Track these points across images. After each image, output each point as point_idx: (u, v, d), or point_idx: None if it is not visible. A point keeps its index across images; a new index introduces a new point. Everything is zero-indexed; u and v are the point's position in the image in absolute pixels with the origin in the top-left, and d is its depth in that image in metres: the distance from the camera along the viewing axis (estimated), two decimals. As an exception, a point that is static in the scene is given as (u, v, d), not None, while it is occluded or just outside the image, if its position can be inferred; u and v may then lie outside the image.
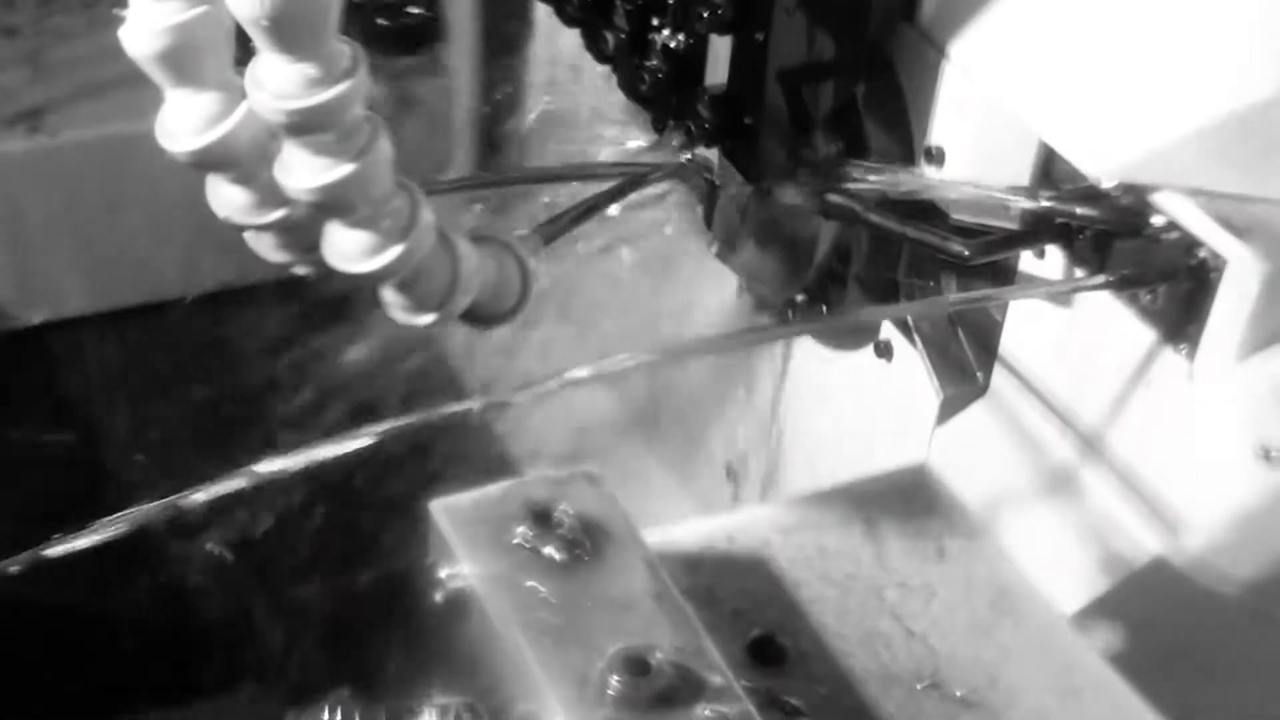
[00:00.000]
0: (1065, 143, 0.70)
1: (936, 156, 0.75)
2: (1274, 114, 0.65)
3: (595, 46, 0.82)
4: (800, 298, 0.86)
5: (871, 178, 0.74)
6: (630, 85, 0.81)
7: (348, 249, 0.48)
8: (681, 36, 0.77)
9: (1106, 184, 0.68)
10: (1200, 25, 0.66)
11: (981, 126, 0.73)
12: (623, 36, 0.79)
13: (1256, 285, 0.64)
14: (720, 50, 0.77)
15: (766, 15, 0.73)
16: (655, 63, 0.77)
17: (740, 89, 0.77)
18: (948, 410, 0.83)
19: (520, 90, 1.14)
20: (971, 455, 0.81)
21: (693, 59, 0.77)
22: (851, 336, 0.88)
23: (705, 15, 0.74)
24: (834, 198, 0.74)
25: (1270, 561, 0.64)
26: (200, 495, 0.53)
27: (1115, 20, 0.69)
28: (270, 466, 0.53)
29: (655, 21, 0.78)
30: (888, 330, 0.86)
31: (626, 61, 0.80)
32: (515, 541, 0.52)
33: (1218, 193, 0.66)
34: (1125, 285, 0.69)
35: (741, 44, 0.76)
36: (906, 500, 0.64)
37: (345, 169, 0.46)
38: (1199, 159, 0.66)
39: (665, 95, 0.78)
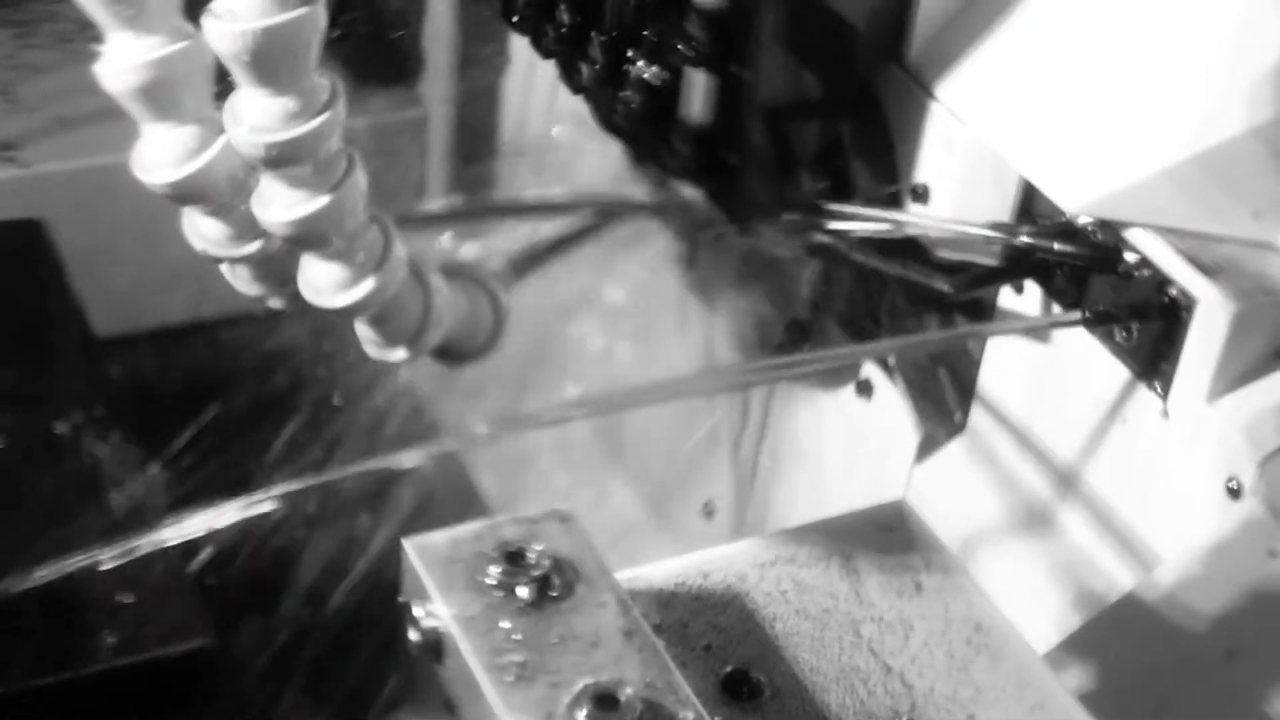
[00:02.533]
0: (1043, 179, 0.71)
1: (922, 194, 0.76)
2: (1237, 154, 0.66)
3: (571, 79, 0.83)
4: (782, 336, 0.86)
5: (857, 217, 0.74)
6: (605, 118, 0.81)
7: (321, 282, 0.48)
8: (657, 69, 0.77)
9: (1082, 220, 0.69)
10: (1169, 69, 0.67)
11: (966, 165, 0.73)
12: (597, 68, 0.80)
13: (1226, 325, 0.64)
14: (696, 83, 0.78)
15: (744, 50, 0.74)
16: (629, 94, 0.78)
17: (723, 127, 0.78)
18: (926, 448, 0.84)
19: (496, 122, 1.15)
20: (949, 492, 0.81)
21: (668, 92, 0.78)
22: (832, 375, 0.88)
23: (682, 49, 0.75)
24: (819, 236, 0.74)
25: (1239, 598, 0.64)
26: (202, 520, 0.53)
27: (1091, 62, 0.70)
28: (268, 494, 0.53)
29: (631, 54, 0.78)
30: (868, 369, 0.87)
31: (602, 94, 0.81)
32: (487, 581, 0.51)
33: (1184, 230, 0.67)
34: (1100, 322, 0.70)
35: (724, 81, 0.76)
36: (884, 536, 0.64)
37: (320, 202, 0.46)
38: (1167, 197, 0.67)
39: (640, 129, 0.79)
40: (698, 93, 0.76)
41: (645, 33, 0.77)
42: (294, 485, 0.55)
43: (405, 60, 1.28)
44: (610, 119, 0.80)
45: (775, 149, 0.77)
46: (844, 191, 0.77)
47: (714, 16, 0.75)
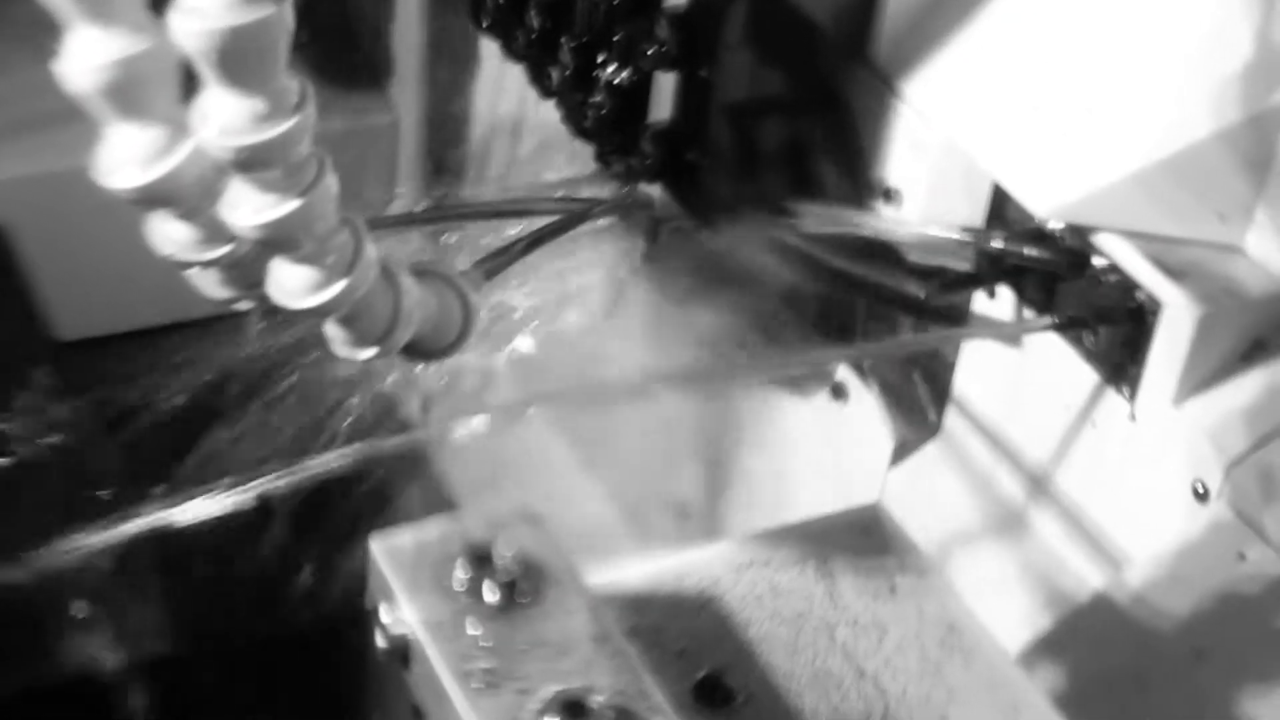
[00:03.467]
0: (1013, 182, 0.71)
1: (893, 198, 0.76)
2: (1203, 158, 0.66)
3: (540, 82, 0.83)
4: (755, 339, 0.87)
5: (829, 220, 0.75)
6: (574, 120, 0.81)
7: (291, 285, 0.48)
8: (626, 73, 0.77)
9: (1051, 224, 0.69)
10: (1137, 73, 0.68)
11: (936, 169, 0.74)
12: (567, 73, 0.80)
13: (1191, 328, 0.65)
14: (665, 87, 0.78)
15: (712, 52, 0.74)
16: (599, 98, 0.78)
17: (685, 125, 0.78)
18: (901, 451, 0.84)
19: (466, 125, 1.14)
20: (924, 495, 0.82)
21: (637, 95, 0.78)
22: (806, 378, 0.89)
23: (650, 52, 0.75)
24: (791, 240, 0.75)
25: (1207, 600, 0.65)
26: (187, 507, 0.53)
27: (1059, 65, 0.70)
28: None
29: (600, 58, 0.78)
30: (843, 372, 0.87)
31: (571, 97, 0.81)
32: (454, 583, 0.51)
33: (1153, 234, 0.67)
34: (1069, 327, 0.70)
35: (687, 80, 0.76)
36: (859, 539, 0.65)
37: (290, 205, 0.46)
38: (1135, 201, 0.67)
39: (609, 131, 0.79)
40: (665, 95, 0.76)
41: (614, 37, 0.77)
42: (266, 480, 0.54)
43: (374, 63, 1.28)
44: (580, 123, 0.80)
45: (739, 148, 0.77)
46: (810, 193, 0.77)
47: (682, 18, 0.75)
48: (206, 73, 0.43)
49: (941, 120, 0.73)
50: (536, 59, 0.82)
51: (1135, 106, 0.68)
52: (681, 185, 0.79)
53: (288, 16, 0.43)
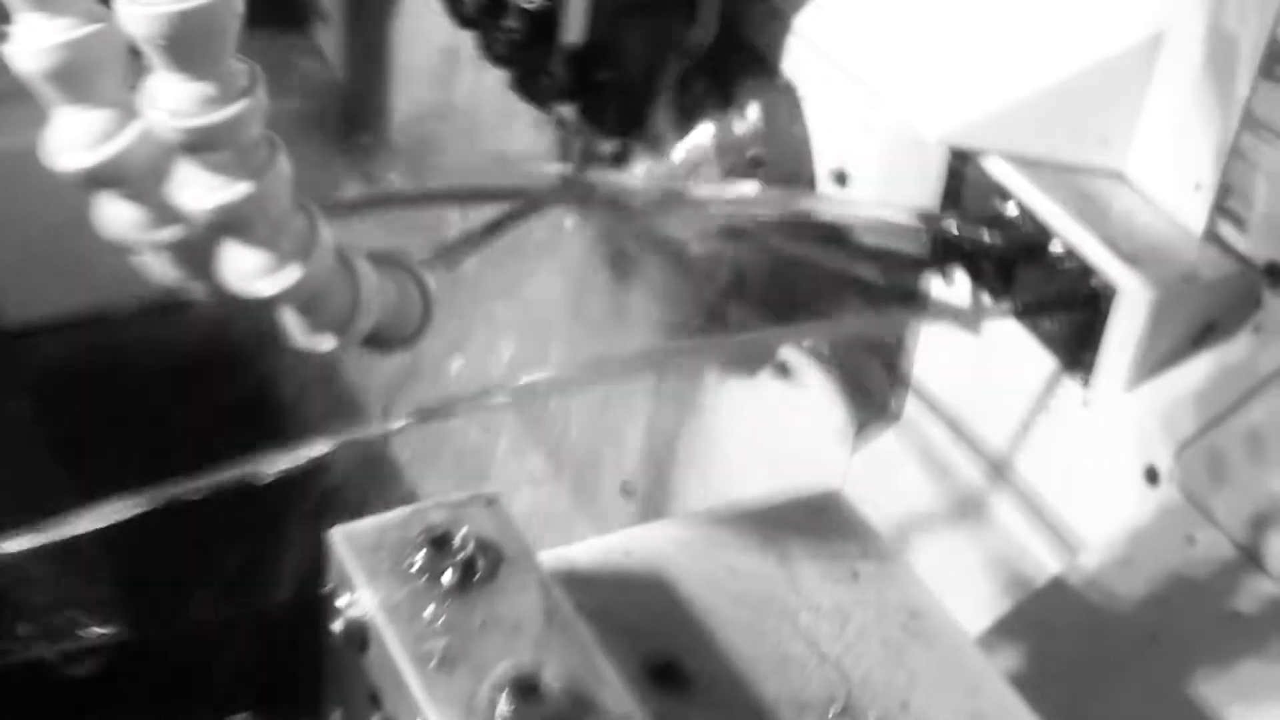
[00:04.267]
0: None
1: (841, 179, 0.76)
2: (1086, 85, 0.68)
3: (456, 11, 0.83)
4: (700, 320, 0.87)
5: (775, 202, 0.75)
6: (489, 48, 0.81)
7: (246, 269, 0.48)
8: None
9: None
10: (1020, 4, 0.70)
11: (887, 149, 0.74)
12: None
13: (1145, 313, 0.65)
14: (572, 6, 0.78)
15: None
16: (511, 23, 0.78)
17: (594, 46, 0.78)
18: (859, 437, 0.84)
19: (389, 71, 1.13)
20: (883, 481, 0.82)
21: (547, 19, 0.78)
22: (751, 359, 0.89)
23: None
24: (738, 221, 0.75)
25: (1158, 582, 0.65)
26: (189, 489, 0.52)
27: None
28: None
29: None
30: (786, 352, 0.87)
31: (485, 23, 0.81)
32: (411, 568, 0.51)
33: (1035, 158, 0.69)
34: (1027, 312, 0.71)
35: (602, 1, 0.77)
36: (819, 523, 0.64)
37: (243, 188, 0.46)
38: (1021, 126, 0.69)
39: (521, 55, 0.79)
40: (572, 14, 0.77)
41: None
42: (228, 473, 0.54)
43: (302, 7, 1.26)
44: (494, 49, 0.80)
45: (646, 64, 0.78)
46: (762, 176, 0.78)
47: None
48: (154, 57, 0.43)
49: (834, 49, 0.75)
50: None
51: (1023, 36, 0.70)
52: (592, 104, 0.80)
53: (236, 0, 0.43)
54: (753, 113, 0.78)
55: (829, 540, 0.64)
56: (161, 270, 0.50)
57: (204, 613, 0.99)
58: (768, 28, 0.78)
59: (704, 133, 0.80)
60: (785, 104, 0.77)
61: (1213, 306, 0.66)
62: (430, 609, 0.50)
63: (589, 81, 0.79)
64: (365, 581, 0.51)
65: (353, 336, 0.51)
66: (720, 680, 0.57)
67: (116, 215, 0.48)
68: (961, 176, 0.72)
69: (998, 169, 0.71)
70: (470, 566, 0.51)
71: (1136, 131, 0.70)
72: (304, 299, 0.49)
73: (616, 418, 0.98)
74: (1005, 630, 0.70)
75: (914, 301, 0.77)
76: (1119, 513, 0.68)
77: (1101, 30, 0.69)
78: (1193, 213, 0.68)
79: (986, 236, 0.71)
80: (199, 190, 0.46)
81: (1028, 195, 0.70)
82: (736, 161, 0.79)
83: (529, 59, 0.80)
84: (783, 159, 0.77)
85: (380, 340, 0.53)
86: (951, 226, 0.72)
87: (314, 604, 0.54)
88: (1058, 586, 0.69)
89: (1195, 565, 0.65)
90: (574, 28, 0.77)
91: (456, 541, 0.52)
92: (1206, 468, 0.65)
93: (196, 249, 0.48)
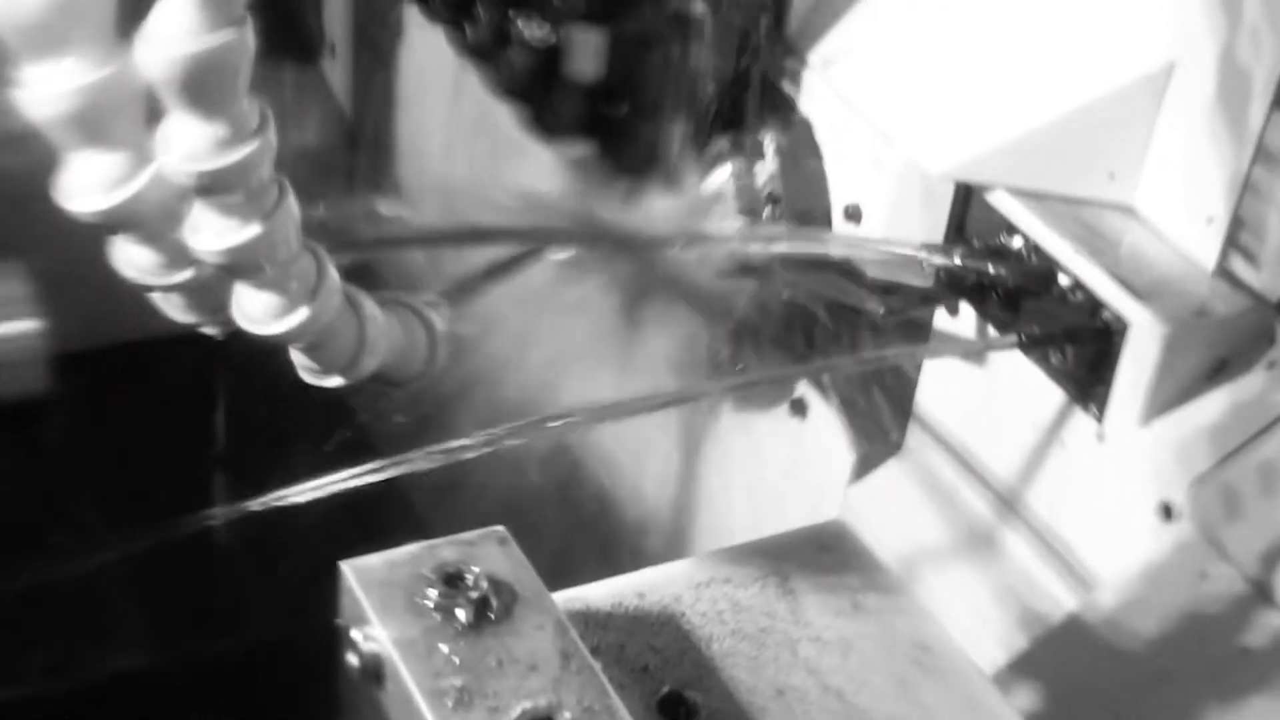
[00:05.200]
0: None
1: (854, 214, 0.76)
2: (1092, 118, 0.68)
3: (461, 42, 0.83)
4: (716, 357, 0.87)
5: (789, 237, 0.75)
6: (494, 81, 0.81)
7: (255, 311, 0.48)
8: (539, 28, 0.77)
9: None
10: (1028, 35, 0.70)
11: (896, 185, 0.74)
12: (482, 31, 0.79)
13: (1157, 347, 0.65)
14: (579, 39, 0.77)
15: (634, 5, 0.75)
16: (514, 55, 0.78)
17: (609, 81, 0.78)
18: (862, 468, 0.84)
19: (397, 105, 1.14)
20: (886, 513, 0.82)
21: (552, 51, 0.78)
22: (766, 396, 0.89)
23: (561, 4, 0.75)
24: (752, 257, 0.75)
25: (1172, 620, 0.65)
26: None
27: (953, 28, 0.72)
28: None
29: (514, 15, 0.78)
30: (802, 389, 0.87)
31: (491, 56, 0.81)
32: (425, 603, 0.51)
33: (1043, 192, 0.68)
34: (1034, 345, 0.71)
35: (616, 35, 0.76)
36: (822, 555, 0.64)
37: (253, 230, 0.46)
38: (1027, 160, 0.69)
39: (526, 89, 0.79)
40: (581, 48, 0.77)
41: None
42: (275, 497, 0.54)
43: (308, 39, 1.27)
44: (502, 84, 0.81)
45: (661, 101, 0.78)
46: (779, 213, 0.78)
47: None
48: (169, 98, 0.43)
49: (844, 85, 0.75)
50: (454, 19, 0.82)
51: (1028, 68, 0.69)
52: (607, 142, 0.79)
53: (248, 41, 0.43)
54: (770, 150, 0.79)
55: (831, 572, 0.64)
56: (176, 310, 0.50)
57: (226, 640, 0.99)
58: (785, 64, 0.78)
59: (722, 170, 0.80)
60: (802, 141, 0.78)
61: (1225, 342, 0.66)
62: (446, 647, 0.50)
63: (602, 118, 0.79)
64: (379, 617, 0.51)
65: (358, 374, 0.51)
66: (724, 711, 0.57)
67: (132, 257, 0.48)
68: (968, 211, 0.73)
69: (1003, 203, 0.71)
70: (485, 604, 0.51)
71: (1146, 165, 0.70)
72: (311, 339, 0.50)
73: (633, 456, 0.98)
74: (1022, 667, 0.70)
75: (921, 332, 0.77)
76: (1133, 548, 0.68)
77: (1110, 62, 0.68)
78: (1204, 247, 0.67)
79: (992, 270, 0.71)
80: (210, 233, 0.46)
81: (1034, 229, 0.70)
82: (754, 199, 0.79)
83: (538, 94, 0.80)
84: (799, 196, 0.78)
85: (387, 378, 0.53)
86: (958, 259, 0.72)
87: (327, 635, 0.54)
88: (1075, 624, 0.69)
89: (1207, 601, 0.64)
90: (584, 63, 0.77)
91: (469, 579, 0.52)
92: (1220, 502, 0.65)
93: (210, 289, 0.49)
